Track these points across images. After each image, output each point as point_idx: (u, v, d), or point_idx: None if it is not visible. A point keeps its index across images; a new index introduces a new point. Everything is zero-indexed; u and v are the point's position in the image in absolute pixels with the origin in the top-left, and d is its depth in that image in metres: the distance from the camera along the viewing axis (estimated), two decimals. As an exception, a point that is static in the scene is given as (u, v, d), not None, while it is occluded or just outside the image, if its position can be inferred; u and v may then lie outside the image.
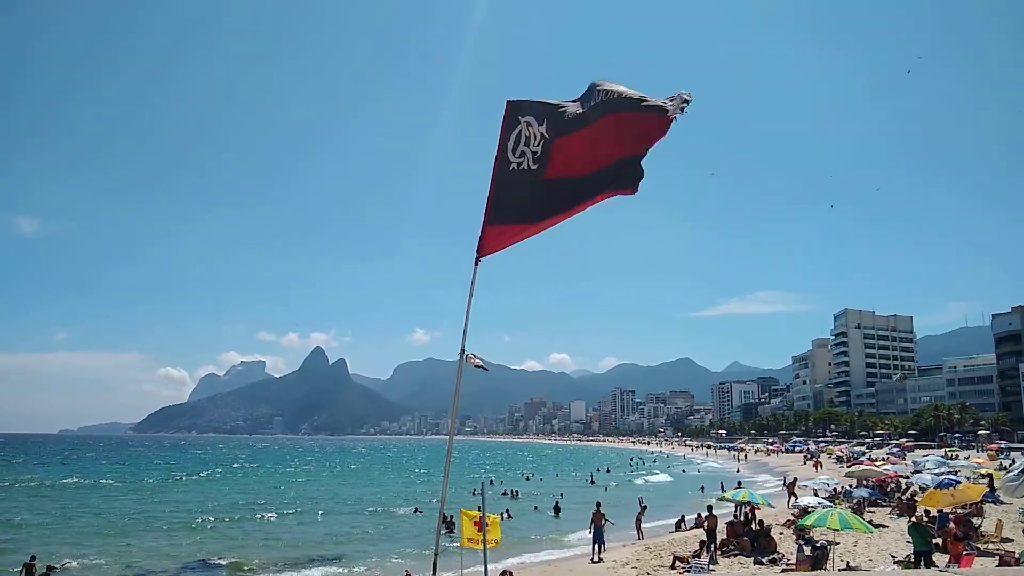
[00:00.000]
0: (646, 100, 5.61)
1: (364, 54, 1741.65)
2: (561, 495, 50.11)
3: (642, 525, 31.04)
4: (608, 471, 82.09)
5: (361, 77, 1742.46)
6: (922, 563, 17.41)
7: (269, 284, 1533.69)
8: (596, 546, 24.56)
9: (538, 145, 5.89)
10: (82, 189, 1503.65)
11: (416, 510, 42.28)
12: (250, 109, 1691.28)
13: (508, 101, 6.06)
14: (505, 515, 37.44)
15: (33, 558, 20.82)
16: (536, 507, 42.61)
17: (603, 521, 25.17)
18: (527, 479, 70.85)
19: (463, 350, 5.98)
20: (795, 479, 43.36)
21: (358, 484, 68.60)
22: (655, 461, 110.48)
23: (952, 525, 21.57)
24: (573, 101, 5.92)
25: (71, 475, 73.17)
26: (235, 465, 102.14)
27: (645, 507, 32.12)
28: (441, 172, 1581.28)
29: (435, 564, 6.67)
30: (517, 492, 52.54)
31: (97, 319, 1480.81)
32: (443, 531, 27.35)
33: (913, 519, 22.59)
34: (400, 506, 44.88)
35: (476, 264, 5.96)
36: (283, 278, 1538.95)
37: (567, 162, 5.86)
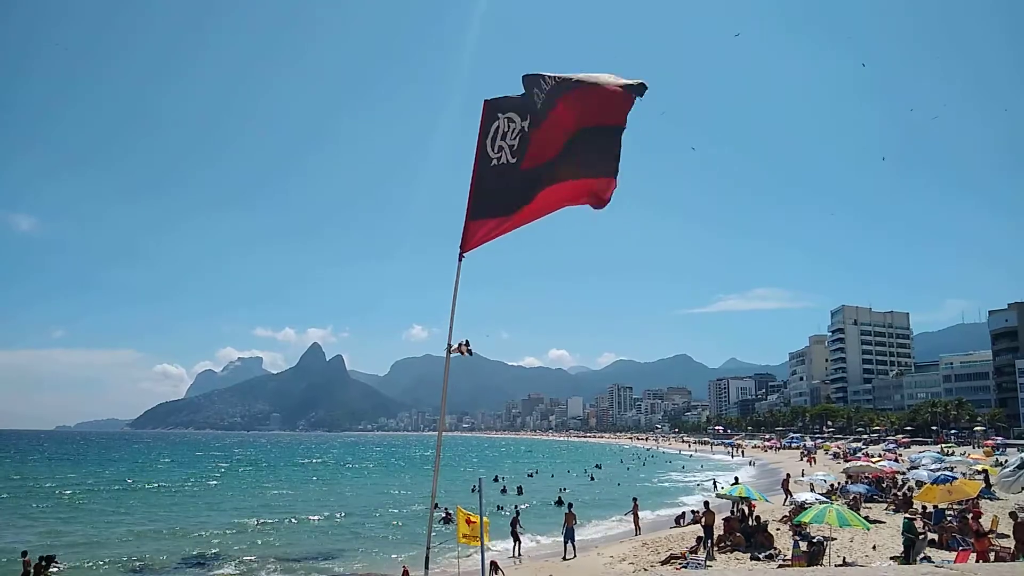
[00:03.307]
0: (594, 77, 5.66)
1: (365, 54, 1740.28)
2: (564, 490, 50.32)
3: (639, 521, 31.10)
4: (599, 467, 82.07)
5: (361, 77, 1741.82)
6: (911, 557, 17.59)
7: (267, 282, 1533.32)
8: (568, 545, 24.88)
9: (515, 138, 5.98)
10: (80, 188, 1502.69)
11: (436, 506, 42.19)
12: (250, 109, 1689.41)
13: (485, 100, 6.16)
14: (498, 509, 37.54)
15: (24, 554, 20.76)
16: (527, 505, 42.35)
17: (574, 521, 25.68)
18: (530, 476, 70.90)
19: (449, 345, 5.97)
20: (788, 475, 43.42)
21: (375, 481, 68.00)
22: (652, 457, 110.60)
23: (972, 521, 21.63)
24: (535, 88, 5.94)
25: (93, 477, 71.63)
26: (263, 465, 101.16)
27: (636, 502, 32.17)
28: (441, 171, 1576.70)
29: (427, 559, 6.64)
30: (521, 488, 52.61)
31: (95, 316, 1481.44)
32: (438, 523, 27.62)
33: (907, 514, 22.64)
34: (414, 503, 44.77)
35: (460, 260, 6.01)
36: (281, 275, 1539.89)
37: (540, 151, 5.93)
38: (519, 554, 25.46)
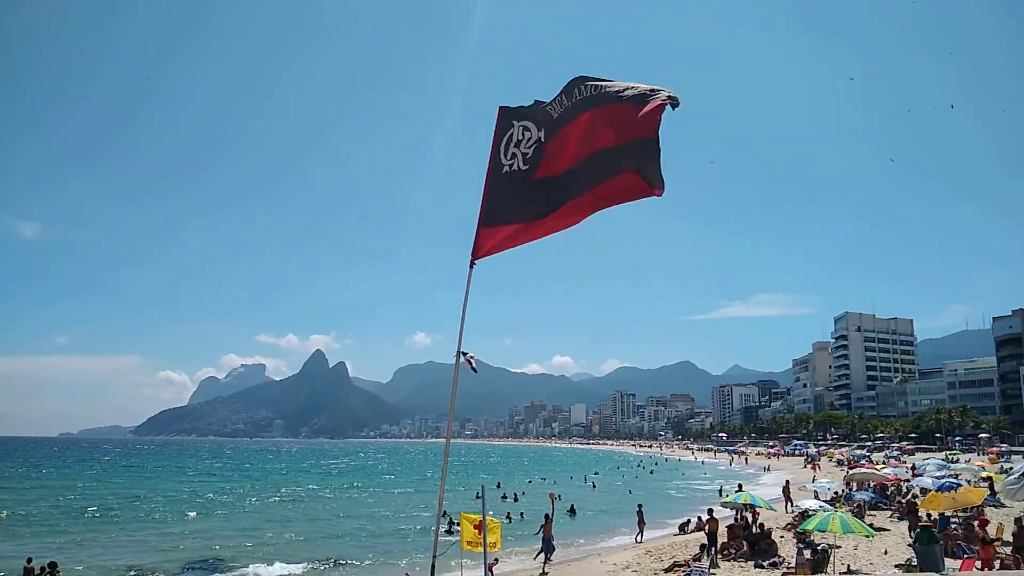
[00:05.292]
0: (628, 90, 5.49)
1: (364, 56, 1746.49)
2: (559, 497, 50.14)
3: (643, 528, 30.92)
4: (597, 474, 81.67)
5: (361, 79, 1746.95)
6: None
7: (270, 288, 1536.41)
8: (544, 556, 23.85)
9: (530, 147, 5.95)
10: (82, 193, 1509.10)
11: (444, 514, 41.90)
12: (250, 112, 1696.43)
13: (501, 107, 6.14)
14: (508, 519, 37.28)
15: (29, 560, 20.81)
16: (521, 513, 41.76)
17: (551, 533, 24.44)
18: (530, 483, 70.64)
19: (459, 352, 5.98)
20: (787, 482, 43.32)
21: (382, 489, 67.10)
22: (656, 464, 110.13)
23: (977, 528, 21.53)
24: (556, 98, 5.92)
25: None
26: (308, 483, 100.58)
27: (641, 508, 31.98)
28: (442, 175, 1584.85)
29: (433, 566, 6.66)
30: (517, 496, 52.42)
31: (97, 322, 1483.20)
32: (443, 531, 27.15)
33: (923, 524, 22.40)
34: (419, 511, 44.48)
35: (471, 267, 6.01)
36: (284, 281, 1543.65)
37: (554, 161, 5.87)
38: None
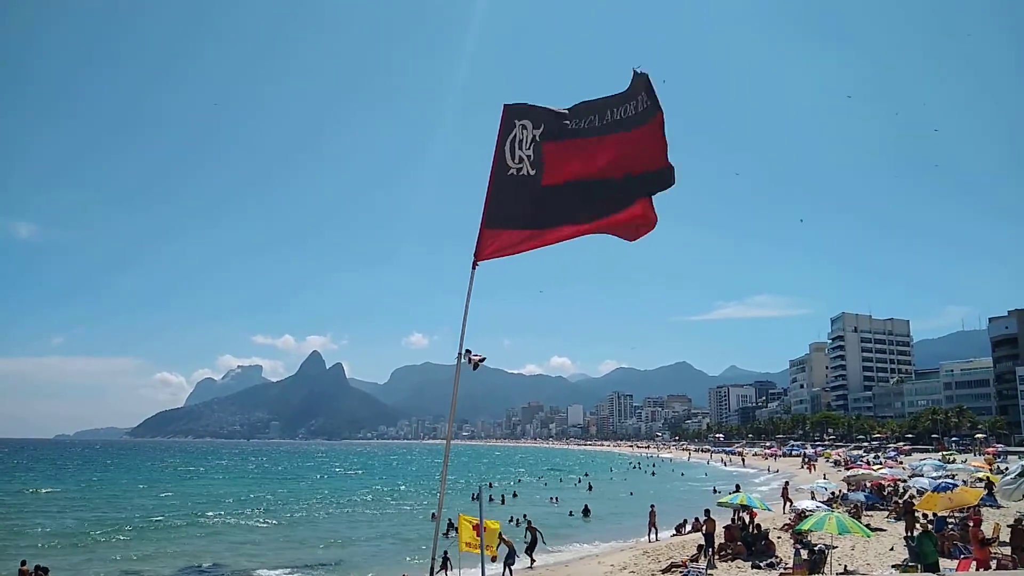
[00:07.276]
0: (637, 104, 5.63)
1: (362, 58, 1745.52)
2: (555, 499, 50.21)
3: (656, 529, 30.89)
4: (587, 475, 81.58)
5: (359, 81, 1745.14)
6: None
7: (266, 289, 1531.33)
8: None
9: (530, 148, 5.95)
10: (80, 195, 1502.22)
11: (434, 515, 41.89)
12: (246, 114, 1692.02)
13: (505, 105, 6.07)
14: (511, 521, 37.17)
15: (24, 563, 20.78)
16: (517, 517, 41.98)
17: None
18: (519, 482, 70.61)
19: (460, 353, 5.96)
20: (786, 483, 43.48)
21: (382, 491, 67.00)
22: (654, 466, 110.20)
23: (973, 529, 21.58)
24: (570, 110, 5.95)
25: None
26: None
27: (654, 508, 31.96)
28: (440, 175, 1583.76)
29: (432, 568, 6.67)
30: (504, 498, 52.42)
31: (94, 324, 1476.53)
32: (442, 533, 27.06)
33: (926, 527, 22.34)
34: (418, 513, 44.51)
35: (473, 268, 5.97)
36: (280, 282, 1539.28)
37: (562, 167, 5.88)
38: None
